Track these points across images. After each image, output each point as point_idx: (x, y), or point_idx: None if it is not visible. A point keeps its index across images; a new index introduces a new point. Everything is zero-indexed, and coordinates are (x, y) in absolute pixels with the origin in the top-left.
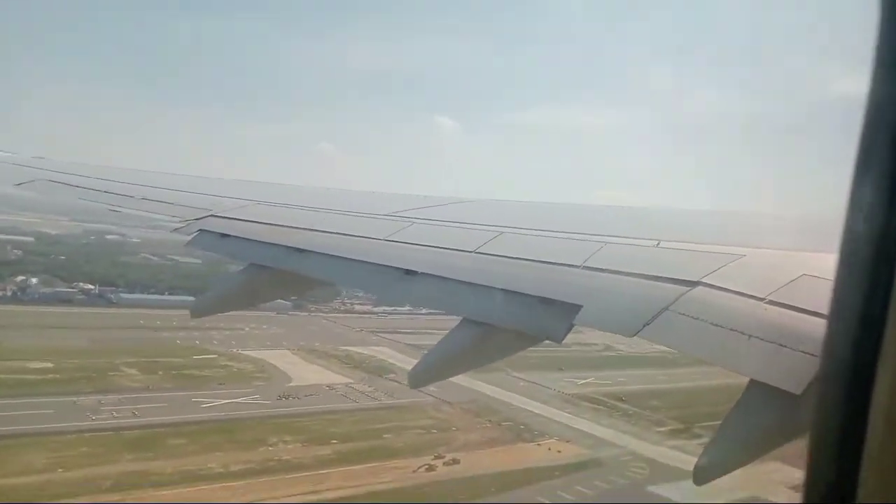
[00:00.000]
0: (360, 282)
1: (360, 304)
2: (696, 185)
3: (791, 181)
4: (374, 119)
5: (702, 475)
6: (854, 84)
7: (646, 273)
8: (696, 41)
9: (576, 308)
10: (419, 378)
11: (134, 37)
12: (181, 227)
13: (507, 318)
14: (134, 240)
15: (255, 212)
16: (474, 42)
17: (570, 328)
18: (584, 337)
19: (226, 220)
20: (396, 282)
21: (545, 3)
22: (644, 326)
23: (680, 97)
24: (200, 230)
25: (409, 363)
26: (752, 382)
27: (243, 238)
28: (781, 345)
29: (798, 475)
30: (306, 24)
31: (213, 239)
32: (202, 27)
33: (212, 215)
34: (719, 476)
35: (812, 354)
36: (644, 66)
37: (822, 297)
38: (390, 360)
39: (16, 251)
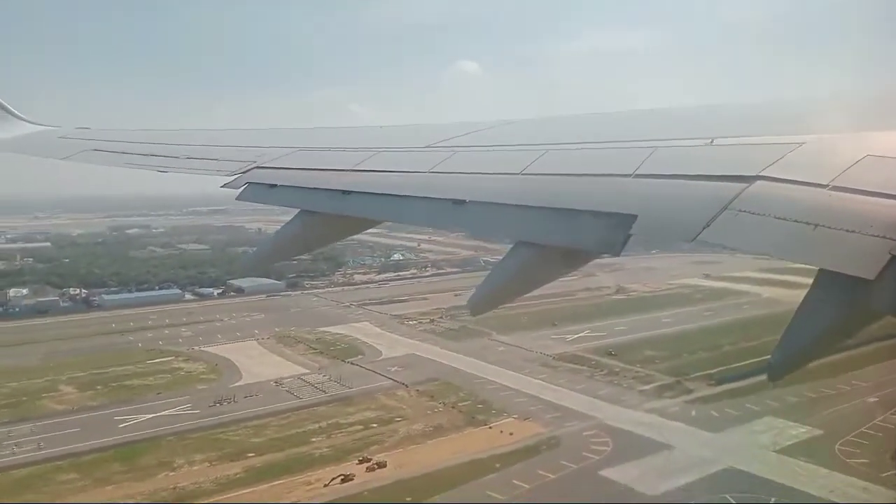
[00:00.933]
0: (410, 216)
1: (364, 272)
2: (741, 88)
3: (842, 63)
4: (397, 74)
5: (775, 371)
6: None
7: (701, 173)
8: None
9: (631, 218)
10: (478, 305)
11: (138, 26)
12: (229, 182)
13: (561, 237)
14: (157, 230)
15: (298, 159)
16: None
17: (627, 239)
18: (594, 280)
19: (271, 170)
20: (446, 212)
21: None
22: (703, 229)
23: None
24: (248, 183)
25: (385, 339)
26: (822, 273)
27: (290, 186)
28: (849, 230)
29: (795, 431)
30: None
31: (260, 190)
32: (206, 9)
33: (257, 167)
34: (792, 371)
35: (883, 237)
36: None
37: (888, 176)
38: (364, 339)
39: (27, 259)
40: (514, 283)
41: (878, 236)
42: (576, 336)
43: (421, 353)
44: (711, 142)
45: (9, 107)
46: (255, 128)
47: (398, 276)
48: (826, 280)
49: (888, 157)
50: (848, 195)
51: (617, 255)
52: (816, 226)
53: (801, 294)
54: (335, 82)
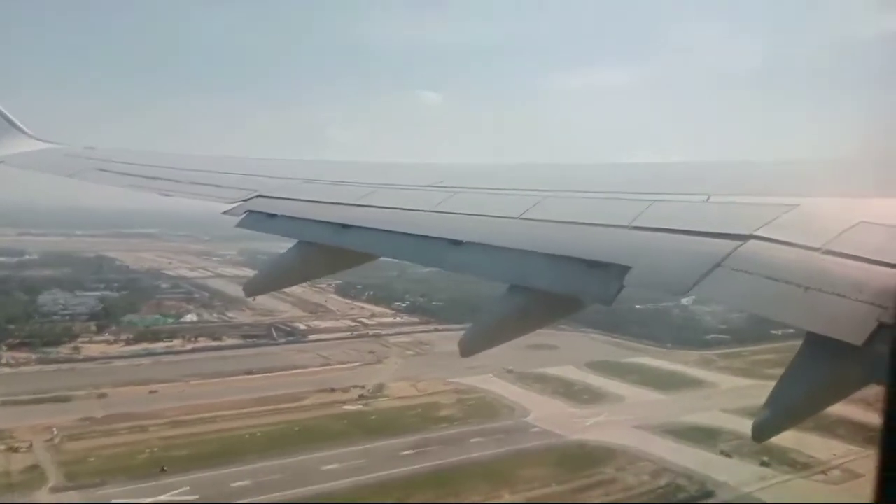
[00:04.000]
0: (407, 254)
1: (110, 342)
2: (731, 140)
3: (840, 125)
4: (370, 100)
5: (761, 432)
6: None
7: (696, 229)
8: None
9: (625, 269)
10: (468, 347)
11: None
12: (230, 210)
13: (555, 284)
14: (27, 257)
15: (300, 190)
16: (460, 15)
17: (620, 290)
18: (367, 373)
19: (273, 199)
20: (443, 252)
21: None
22: (695, 284)
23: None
24: (248, 211)
25: None
26: (811, 336)
27: (291, 217)
28: (840, 295)
29: None
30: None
31: (261, 219)
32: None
33: (259, 195)
34: (778, 433)
35: (872, 304)
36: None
37: (880, 243)
38: None
39: None
40: (506, 327)
41: (867, 302)
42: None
43: None
44: (707, 199)
45: (17, 122)
46: (245, 148)
47: (146, 350)
48: (814, 343)
49: (880, 224)
50: (839, 260)
51: (609, 304)
52: (807, 288)
53: (582, 414)
54: (311, 103)
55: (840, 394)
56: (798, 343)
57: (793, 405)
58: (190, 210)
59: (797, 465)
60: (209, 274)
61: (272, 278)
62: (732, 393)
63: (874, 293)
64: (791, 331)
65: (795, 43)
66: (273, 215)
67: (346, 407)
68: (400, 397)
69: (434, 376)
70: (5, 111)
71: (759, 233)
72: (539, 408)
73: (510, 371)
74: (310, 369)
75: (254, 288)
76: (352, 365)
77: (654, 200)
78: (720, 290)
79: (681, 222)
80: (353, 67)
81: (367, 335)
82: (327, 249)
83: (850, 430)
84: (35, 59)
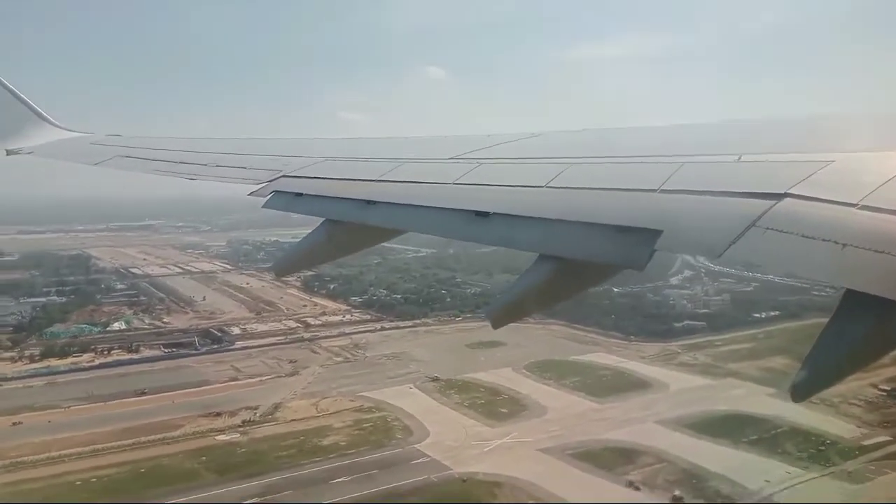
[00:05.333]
0: (433, 227)
1: (17, 359)
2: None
3: (872, 77)
4: (382, 81)
5: (800, 392)
6: None
7: (729, 190)
8: None
9: (656, 233)
10: (498, 318)
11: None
12: (256, 191)
13: (586, 251)
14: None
15: (324, 168)
16: None
17: (651, 254)
18: (269, 391)
19: (298, 179)
20: (469, 224)
21: None
22: (730, 245)
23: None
24: (274, 192)
25: None
26: (849, 293)
27: (316, 195)
28: (878, 251)
29: None
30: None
31: (286, 199)
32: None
33: (284, 176)
34: (818, 392)
35: None
36: None
37: None
38: None
39: None
40: (536, 297)
41: None
42: None
43: None
44: (739, 158)
45: (43, 113)
46: (279, 137)
47: (48, 368)
48: (853, 300)
49: None
50: (877, 215)
51: (641, 269)
52: (845, 245)
53: (489, 434)
54: (322, 90)
55: (880, 351)
56: (787, 325)
57: (832, 364)
58: (208, 196)
59: (718, 498)
60: (178, 271)
61: (300, 258)
62: (679, 397)
63: None
64: (775, 314)
65: None
66: (299, 195)
67: (220, 437)
68: (291, 420)
69: (346, 390)
70: (31, 102)
71: (793, 191)
72: (442, 429)
73: (435, 379)
74: (212, 386)
75: (282, 268)
76: (261, 379)
77: (684, 163)
78: (755, 250)
79: (712, 183)
80: (358, 48)
81: (302, 339)
82: (354, 227)
83: (798, 445)
84: (38, 49)
